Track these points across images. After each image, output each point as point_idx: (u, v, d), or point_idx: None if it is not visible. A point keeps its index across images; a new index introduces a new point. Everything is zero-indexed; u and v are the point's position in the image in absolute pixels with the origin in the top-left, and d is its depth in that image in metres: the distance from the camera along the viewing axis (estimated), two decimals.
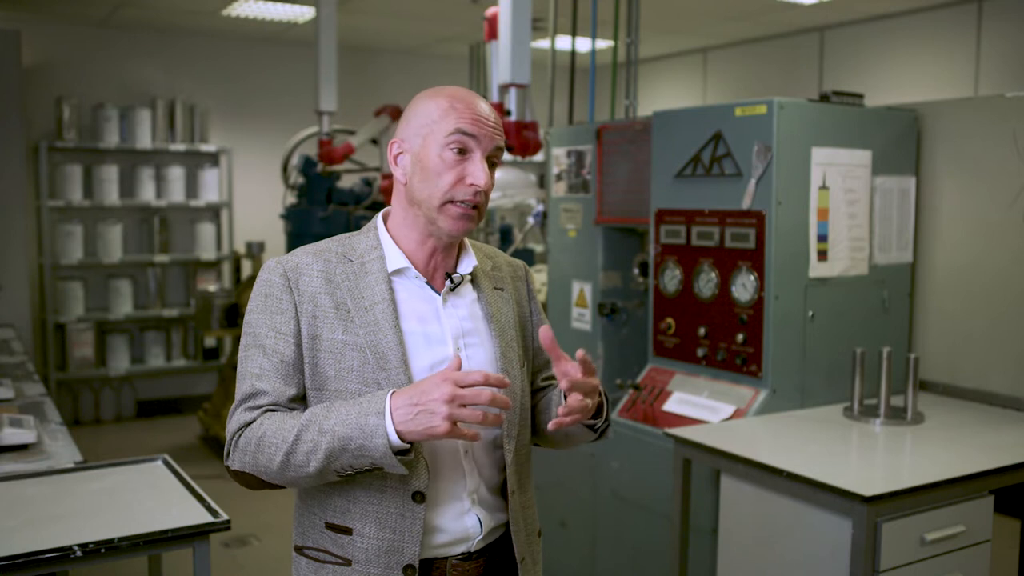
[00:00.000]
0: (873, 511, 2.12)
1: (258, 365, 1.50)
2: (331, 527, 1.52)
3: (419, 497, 1.48)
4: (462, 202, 1.50)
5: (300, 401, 1.52)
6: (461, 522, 1.53)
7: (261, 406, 1.48)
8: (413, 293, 1.55)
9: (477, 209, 1.51)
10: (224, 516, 2.05)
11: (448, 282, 1.57)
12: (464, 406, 1.33)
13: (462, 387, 1.33)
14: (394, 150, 1.56)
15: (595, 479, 3.31)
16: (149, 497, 2.19)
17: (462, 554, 1.53)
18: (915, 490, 2.18)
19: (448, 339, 1.54)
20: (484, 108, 1.53)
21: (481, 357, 1.56)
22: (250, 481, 1.50)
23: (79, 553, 1.85)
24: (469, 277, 1.61)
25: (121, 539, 1.90)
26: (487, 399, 1.33)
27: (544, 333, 1.44)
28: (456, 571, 1.53)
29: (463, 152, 1.50)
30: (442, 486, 1.51)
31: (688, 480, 2.67)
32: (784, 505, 2.35)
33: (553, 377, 1.76)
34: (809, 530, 2.28)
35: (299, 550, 1.58)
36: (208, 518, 2.04)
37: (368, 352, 1.48)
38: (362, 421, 1.37)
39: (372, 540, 1.48)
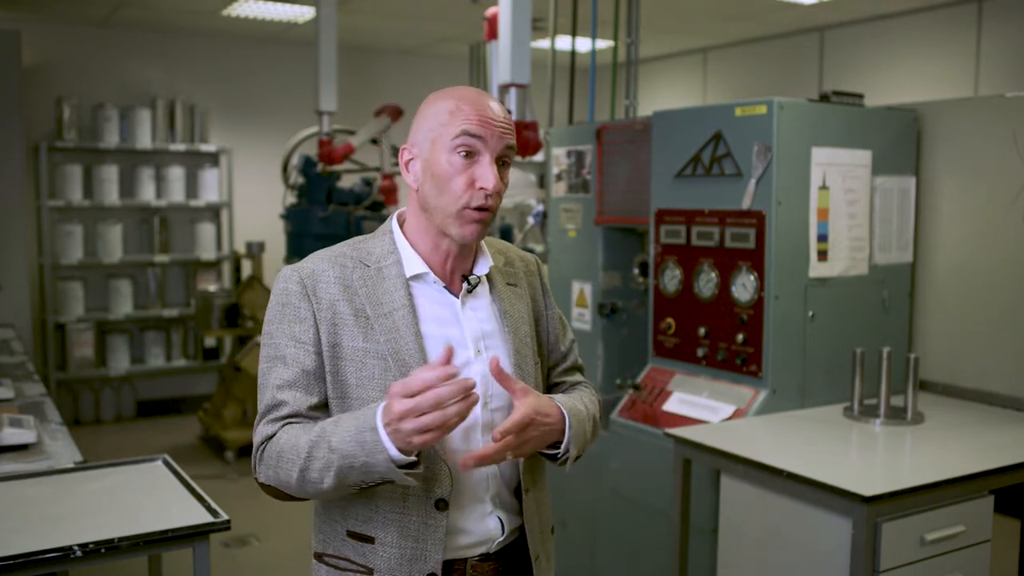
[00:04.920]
0: (873, 511, 2.12)
1: (278, 376, 1.47)
2: (353, 535, 1.51)
3: (442, 505, 1.47)
4: (476, 208, 1.47)
5: (323, 409, 1.49)
6: (484, 524, 1.52)
7: (281, 418, 1.46)
8: (432, 298, 1.54)
9: (489, 211, 1.49)
10: (224, 516, 2.05)
11: (465, 284, 1.56)
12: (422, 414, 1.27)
13: (410, 396, 1.26)
14: (405, 156, 1.54)
15: (595, 479, 3.31)
16: (149, 497, 2.19)
17: (481, 555, 1.53)
18: (915, 490, 2.18)
19: (468, 342, 1.53)
20: (493, 107, 1.50)
21: (502, 357, 1.55)
22: (279, 493, 1.48)
23: (79, 553, 1.85)
24: (485, 277, 1.60)
25: (121, 539, 1.90)
26: (432, 401, 1.25)
27: (492, 365, 1.40)
28: (475, 572, 1.52)
29: (471, 155, 1.47)
30: (465, 489, 1.50)
31: (688, 480, 2.67)
32: (784, 505, 2.35)
33: (568, 372, 1.76)
34: (809, 530, 2.28)
35: (319, 557, 1.57)
36: (208, 518, 2.03)
37: (390, 359, 1.47)
38: (360, 438, 1.32)
39: (394, 549, 1.47)
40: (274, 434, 1.45)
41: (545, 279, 1.75)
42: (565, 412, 1.51)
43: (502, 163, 1.50)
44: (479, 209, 1.47)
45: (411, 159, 1.54)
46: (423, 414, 1.26)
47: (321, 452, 1.37)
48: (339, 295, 1.49)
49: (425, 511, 1.47)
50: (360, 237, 1.61)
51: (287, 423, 1.46)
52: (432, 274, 1.53)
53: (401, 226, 1.58)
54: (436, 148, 1.49)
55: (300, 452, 1.39)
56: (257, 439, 1.47)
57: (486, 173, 1.47)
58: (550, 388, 1.74)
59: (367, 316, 1.48)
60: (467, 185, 1.47)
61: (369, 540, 1.49)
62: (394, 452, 1.30)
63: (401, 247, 1.55)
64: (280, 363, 1.48)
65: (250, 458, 1.53)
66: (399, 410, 1.27)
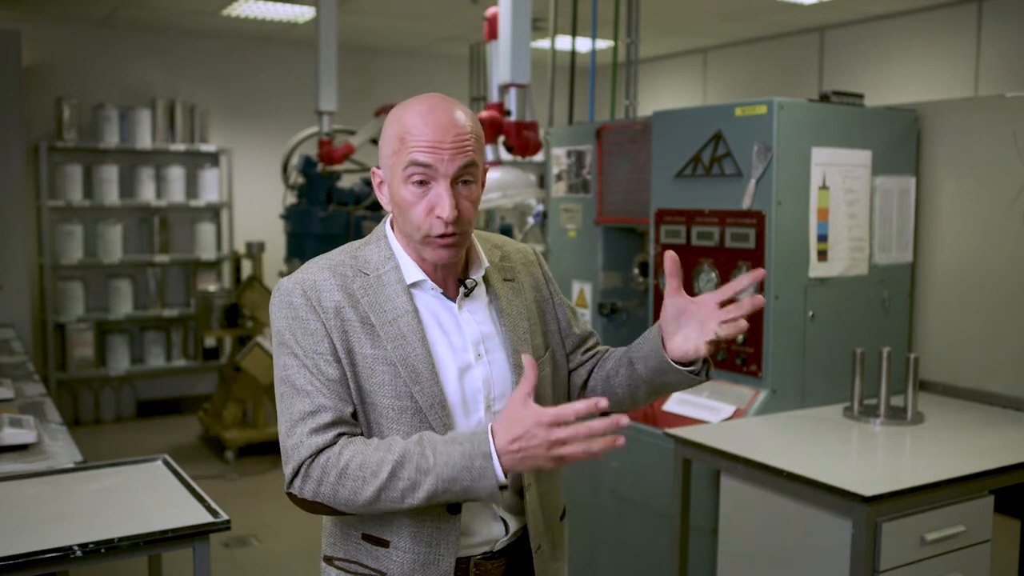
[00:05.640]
0: (873, 511, 2.12)
1: (308, 382, 1.44)
2: (368, 539, 1.51)
3: (455, 508, 1.47)
4: (439, 236, 1.45)
5: (356, 418, 1.47)
6: (488, 526, 1.53)
7: (326, 425, 1.42)
8: (431, 303, 1.53)
9: (458, 235, 1.46)
10: (224, 516, 2.05)
11: (462, 288, 1.55)
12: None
13: (560, 424, 1.30)
14: (376, 180, 1.54)
15: (595, 479, 3.31)
16: (149, 497, 2.19)
17: (484, 554, 1.53)
18: (915, 490, 2.18)
19: (468, 346, 1.52)
20: (445, 124, 1.43)
21: (501, 359, 1.55)
22: (317, 508, 1.45)
23: (79, 553, 1.85)
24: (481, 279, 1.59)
25: (121, 539, 1.90)
26: (585, 434, 1.30)
27: (669, 256, 1.48)
28: (478, 570, 1.53)
29: (425, 183, 1.44)
30: None
31: (688, 480, 2.67)
32: (784, 505, 2.35)
33: (593, 348, 1.73)
34: (809, 530, 2.28)
35: (329, 560, 1.57)
36: (208, 518, 2.04)
37: (399, 366, 1.46)
38: (468, 463, 1.34)
39: (408, 553, 1.47)
40: (325, 447, 1.41)
41: (546, 268, 1.73)
42: None
43: (463, 182, 1.46)
44: (444, 236, 1.45)
45: (381, 182, 1.53)
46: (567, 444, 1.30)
47: (407, 473, 1.36)
48: (344, 302, 1.48)
49: (438, 515, 1.47)
50: (355, 244, 1.59)
51: (340, 434, 1.43)
52: (430, 280, 1.53)
53: (394, 230, 1.57)
54: (393, 176, 1.47)
55: (376, 470, 1.37)
56: (304, 451, 1.41)
57: (442, 201, 1.43)
58: (580, 367, 1.71)
59: (372, 324, 1.47)
60: (427, 212, 1.45)
61: (384, 544, 1.49)
62: (502, 477, 1.33)
63: (398, 253, 1.54)
64: (305, 370, 1.45)
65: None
66: (555, 437, 1.29)
